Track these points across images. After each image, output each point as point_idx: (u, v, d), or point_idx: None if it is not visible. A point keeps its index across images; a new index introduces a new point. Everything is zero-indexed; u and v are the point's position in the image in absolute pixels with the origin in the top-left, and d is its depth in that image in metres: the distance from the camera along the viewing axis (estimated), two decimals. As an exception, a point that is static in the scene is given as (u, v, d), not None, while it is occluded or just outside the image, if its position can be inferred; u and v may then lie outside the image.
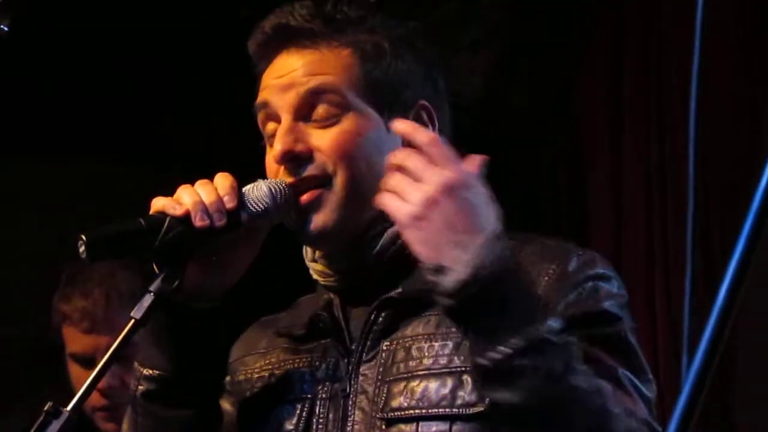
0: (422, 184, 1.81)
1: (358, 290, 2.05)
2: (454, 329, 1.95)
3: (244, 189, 1.98)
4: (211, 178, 1.99)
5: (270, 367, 2.09)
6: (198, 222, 1.92)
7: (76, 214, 4.35)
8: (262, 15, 2.09)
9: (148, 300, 1.91)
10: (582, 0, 4.44)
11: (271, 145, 2.05)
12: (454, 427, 1.91)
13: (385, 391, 1.96)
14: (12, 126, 4.46)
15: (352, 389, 1.99)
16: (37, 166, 4.64)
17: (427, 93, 2.09)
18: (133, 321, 1.90)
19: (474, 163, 1.85)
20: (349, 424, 1.97)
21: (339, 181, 2.00)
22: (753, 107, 3.91)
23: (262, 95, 2.07)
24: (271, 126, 2.06)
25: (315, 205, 2.00)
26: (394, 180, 1.84)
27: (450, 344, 1.95)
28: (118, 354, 1.89)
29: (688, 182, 1.47)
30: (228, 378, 2.13)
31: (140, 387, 2.03)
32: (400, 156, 1.85)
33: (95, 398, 3.08)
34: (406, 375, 1.95)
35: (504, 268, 1.79)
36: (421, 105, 2.08)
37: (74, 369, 3.19)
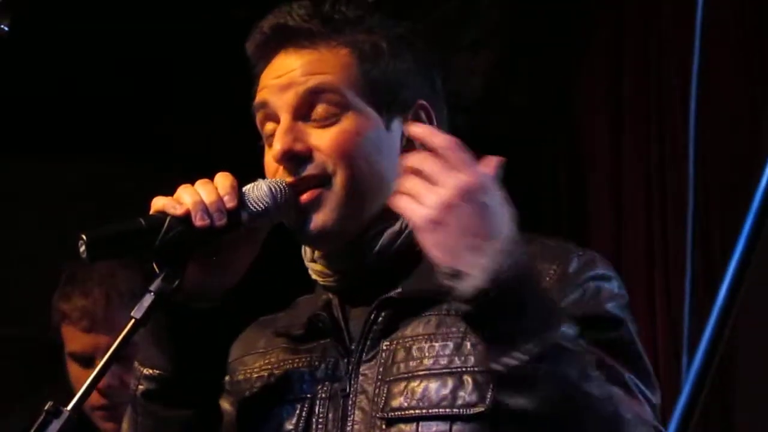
0: (439, 188, 1.79)
1: (357, 290, 2.05)
2: (454, 329, 1.95)
3: (244, 188, 1.98)
4: (211, 177, 1.99)
5: (269, 366, 2.09)
6: (198, 222, 1.92)
7: (76, 214, 4.35)
8: (261, 15, 2.09)
9: (148, 300, 1.91)
10: (582, 0, 4.44)
11: (270, 145, 2.05)
12: (454, 427, 1.90)
13: (385, 391, 1.96)
14: (12, 126, 4.46)
15: (352, 389, 1.99)
16: (37, 166, 4.64)
17: (426, 92, 2.10)
18: (133, 321, 1.90)
19: (490, 164, 1.84)
20: (349, 423, 1.97)
21: (338, 180, 2.00)
22: (753, 107, 3.91)
23: (261, 95, 2.07)
24: (269, 126, 2.06)
25: (315, 204, 2.00)
26: (410, 183, 1.83)
27: (450, 345, 1.95)
28: (118, 354, 1.89)
29: (688, 182, 1.47)
30: (227, 378, 2.13)
31: (140, 386, 2.03)
32: (416, 158, 1.84)
33: (94, 397, 3.08)
34: (406, 375, 1.95)
35: (521, 273, 1.79)
36: (420, 104, 2.08)
37: (73, 368, 3.19)
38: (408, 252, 2.03)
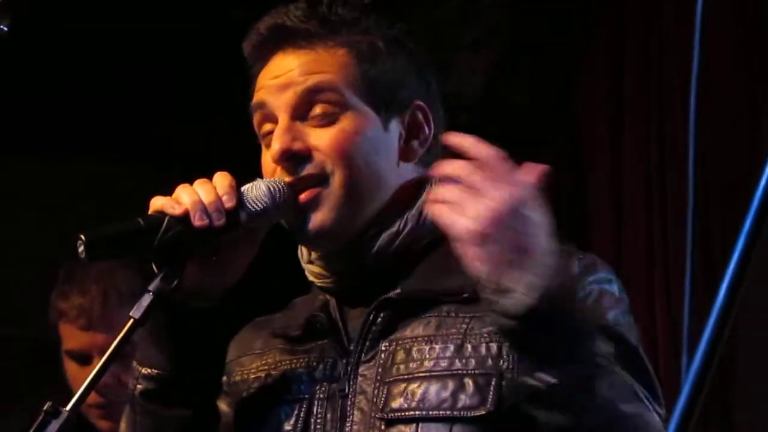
0: (485, 200, 1.76)
1: (354, 291, 2.05)
2: (454, 331, 1.95)
3: (242, 188, 1.98)
4: (210, 178, 1.99)
5: (266, 367, 2.09)
6: (197, 221, 1.92)
7: (76, 214, 4.35)
8: (260, 15, 2.09)
9: (146, 299, 1.91)
10: (582, 0, 4.44)
11: (268, 146, 2.05)
12: (454, 429, 1.90)
13: (384, 392, 1.96)
14: (12, 126, 4.46)
15: (350, 389, 1.99)
16: (37, 166, 4.64)
17: (422, 93, 2.10)
18: (132, 320, 1.90)
19: (533, 172, 1.81)
20: (348, 424, 1.97)
21: (337, 179, 2.00)
22: (753, 107, 3.91)
23: (259, 95, 2.07)
24: (267, 126, 2.06)
25: (313, 204, 2.00)
26: (451, 192, 1.79)
27: (451, 347, 1.94)
28: (116, 354, 1.89)
29: (688, 182, 1.46)
30: (224, 378, 2.13)
31: (139, 386, 2.02)
32: (455, 167, 1.80)
33: (91, 396, 3.07)
34: (406, 376, 1.95)
35: (565, 290, 1.79)
36: (417, 105, 2.08)
37: (70, 366, 3.19)
38: (406, 253, 2.03)
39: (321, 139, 2.01)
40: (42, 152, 4.59)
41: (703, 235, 3.83)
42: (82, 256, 1.89)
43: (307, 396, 2.02)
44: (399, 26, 2.12)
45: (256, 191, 1.97)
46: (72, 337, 3.18)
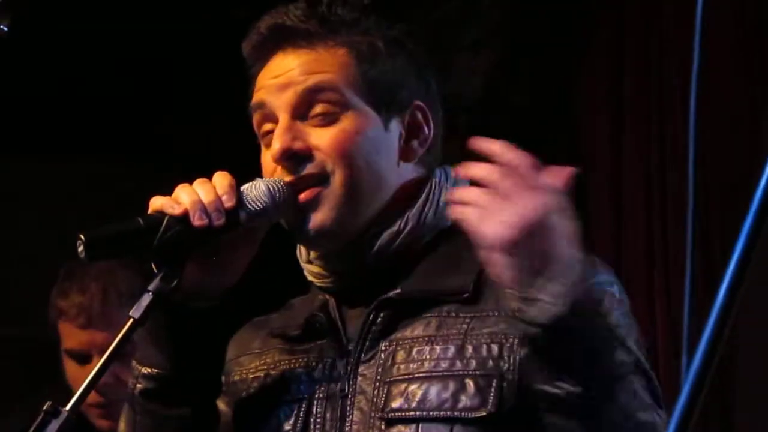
0: (515, 207, 1.75)
1: (354, 291, 2.05)
2: (454, 331, 1.95)
3: (242, 188, 1.98)
4: (210, 178, 1.99)
5: (265, 367, 2.09)
6: (196, 221, 1.92)
7: (76, 214, 4.34)
8: (260, 15, 2.09)
9: (146, 299, 1.91)
10: (583, 0, 4.44)
11: (267, 145, 2.05)
12: (455, 429, 1.90)
13: (384, 392, 1.96)
14: (12, 126, 4.46)
15: (350, 389, 1.99)
16: (37, 166, 4.64)
17: (422, 94, 2.10)
18: (131, 320, 1.90)
19: (560, 176, 1.79)
20: (348, 423, 1.97)
21: (337, 179, 2.00)
22: (753, 107, 3.91)
23: (258, 95, 2.07)
24: (267, 126, 2.06)
25: (314, 203, 2.00)
26: (480, 196, 1.77)
27: (452, 348, 1.94)
28: (116, 353, 1.89)
29: (688, 182, 1.46)
30: (223, 378, 2.13)
31: (138, 385, 2.02)
32: (487, 171, 1.78)
33: (91, 395, 3.06)
34: (406, 377, 1.95)
35: (591, 298, 1.79)
36: (417, 105, 2.08)
37: (69, 365, 3.19)
38: (406, 252, 2.03)
39: (321, 138, 2.01)
40: (42, 152, 4.59)
41: (703, 235, 3.83)
42: (82, 255, 1.89)
43: (306, 396, 2.02)
44: (399, 27, 2.12)
45: (255, 191, 1.97)
46: (71, 336, 3.18)
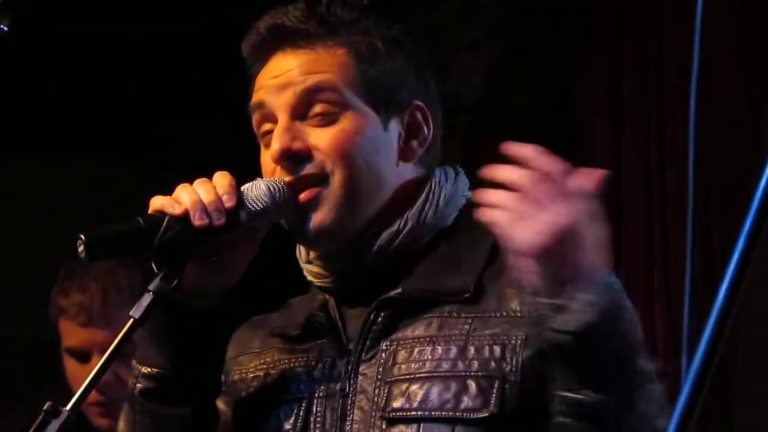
0: (548, 214, 1.74)
1: (354, 291, 2.05)
2: (456, 332, 1.95)
3: (242, 188, 1.98)
4: (210, 177, 1.99)
5: (265, 366, 2.09)
6: (197, 221, 1.92)
7: (76, 214, 4.34)
8: (260, 15, 2.09)
9: (146, 299, 1.91)
10: (582, 0, 4.44)
11: (267, 145, 2.05)
12: (456, 430, 1.90)
13: (385, 391, 1.96)
14: (12, 126, 4.45)
15: (351, 388, 1.99)
16: (37, 166, 4.63)
17: (421, 93, 2.09)
18: (132, 320, 1.90)
19: (591, 179, 1.78)
20: (348, 423, 1.97)
21: (337, 179, 2.00)
22: (753, 107, 3.91)
23: (258, 96, 2.07)
24: (267, 126, 2.06)
25: (313, 203, 2.00)
26: (513, 201, 1.76)
27: (454, 349, 1.94)
28: (116, 353, 1.89)
29: (688, 182, 1.47)
30: (222, 378, 2.13)
31: (138, 385, 2.02)
32: (520, 175, 1.77)
33: (91, 394, 3.07)
34: (408, 377, 1.95)
35: (618, 305, 1.80)
36: (416, 105, 2.08)
37: (70, 364, 3.19)
38: (406, 252, 2.03)
39: (321, 138, 2.01)
40: (42, 152, 4.59)
41: (703, 235, 3.82)
42: (82, 255, 1.89)
43: (306, 395, 2.02)
44: (398, 27, 2.12)
45: (256, 191, 1.97)
46: (71, 334, 3.18)
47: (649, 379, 1.85)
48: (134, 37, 4.35)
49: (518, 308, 1.93)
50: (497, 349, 1.92)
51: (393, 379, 1.96)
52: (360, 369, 1.99)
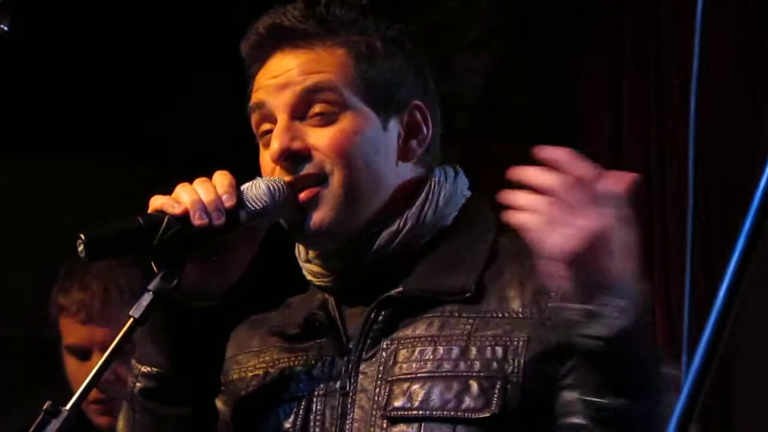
0: (581, 220, 1.74)
1: (353, 290, 2.05)
2: (457, 332, 1.95)
3: (242, 187, 1.98)
4: (210, 177, 1.99)
5: (264, 365, 2.09)
6: (196, 221, 1.92)
7: (76, 214, 4.35)
8: (260, 15, 2.09)
9: (146, 299, 1.91)
10: (582, 0, 4.44)
11: (266, 145, 2.05)
12: (457, 430, 1.91)
13: (386, 390, 1.96)
14: (12, 126, 4.45)
15: (351, 387, 1.99)
16: (37, 166, 4.63)
17: (420, 93, 2.10)
18: (131, 320, 1.90)
19: (622, 182, 1.79)
20: (348, 421, 1.97)
21: (336, 179, 2.00)
22: (753, 107, 3.91)
23: (257, 96, 2.07)
24: (266, 126, 2.06)
25: (313, 203, 2.00)
26: (546, 206, 1.75)
27: (455, 349, 1.94)
28: (116, 352, 1.89)
29: (688, 182, 1.46)
30: (221, 377, 2.13)
31: (138, 384, 2.02)
32: (553, 180, 1.76)
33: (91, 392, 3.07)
34: (409, 376, 1.95)
35: (645, 310, 1.80)
36: (415, 105, 2.08)
37: (70, 362, 3.19)
38: (406, 251, 2.03)
39: (320, 138, 2.01)
40: (42, 152, 4.59)
41: (703, 235, 3.82)
42: (82, 255, 1.89)
43: (306, 394, 2.02)
44: (397, 27, 2.12)
45: (255, 190, 1.97)
46: (72, 332, 3.18)
47: (672, 384, 1.83)
48: (134, 37, 4.35)
49: (519, 309, 1.94)
50: (499, 350, 1.92)
51: (394, 378, 1.96)
52: (360, 368, 1.99)
